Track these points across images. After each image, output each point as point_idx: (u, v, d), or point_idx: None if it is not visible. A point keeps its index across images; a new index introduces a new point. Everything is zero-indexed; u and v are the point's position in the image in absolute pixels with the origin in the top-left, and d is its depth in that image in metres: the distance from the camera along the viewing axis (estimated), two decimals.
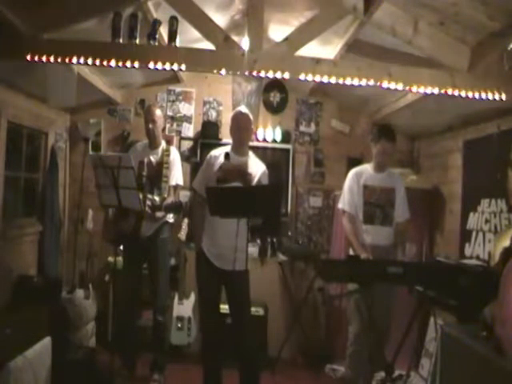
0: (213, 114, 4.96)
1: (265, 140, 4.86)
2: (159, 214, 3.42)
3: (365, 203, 3.43)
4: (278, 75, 2.89)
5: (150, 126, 3.56)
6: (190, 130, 4.95)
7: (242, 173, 2.97)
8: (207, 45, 3.01)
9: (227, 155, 2.97)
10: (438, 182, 4.34)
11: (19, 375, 2.67)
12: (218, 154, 3.13)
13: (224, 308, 3.21)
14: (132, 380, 3.56)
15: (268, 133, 4.87)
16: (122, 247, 3.74)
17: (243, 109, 3.19)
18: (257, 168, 3.09)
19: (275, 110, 4.99)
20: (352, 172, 3.56)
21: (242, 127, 3.06)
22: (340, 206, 3.55)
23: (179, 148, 4.82)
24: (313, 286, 4.24)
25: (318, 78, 2.90)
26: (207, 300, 3.11)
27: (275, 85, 4.91)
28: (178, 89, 4.93)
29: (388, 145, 3.40)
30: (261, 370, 3.19)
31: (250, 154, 3.17)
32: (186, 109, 4.95)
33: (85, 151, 4.61)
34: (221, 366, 3.13)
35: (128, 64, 2.78)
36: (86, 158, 4.32)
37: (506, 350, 1.90)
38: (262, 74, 2.91)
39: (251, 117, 3.13)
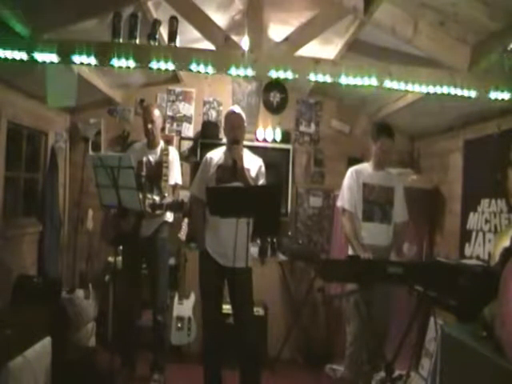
0: (213, 114, 4.96)
1: (265, 140, 4.85)
2: (159, 211, 3.42)
3: (364, 201, 3.43)
4: (278, 75, 2.89)
5: (149, 126, 3.56)
6: (190, 130, 4.95)
7: (240, 171, 3.00)
8: (207, 45, 3.01)
9: (234, 162, 2.99)
10: (438, 182, 4.33)
11: (19, 375, 2.67)
12: (214, 155, 3.19)
13: (225, 308, 3.26)
14: (132, 380, 3.56)
15: (268, 133, 4.86)
16: (121, 247, 3.74)
17: (236, 108, 3.26)
18: (253, 163, 3.15)
19: (275, 110, 4.99)
20: (351, 170, 3.55)
21: (235, 126, 3.12)
22: (339, 203, 3.54)
23: (179, 148, 4.82)
24: (313, 286, 4.23)
25: (317, 78, 2.89)
26: (210, 299, 3.13)
27: (275, 85, 4.91)
28: (178, 89, 4.93)
29: (388, 142, 3.41)
30: (261, 369, 3.19)
31: (245, 150, 3.22)
32: (185, 109, 4.95)
33: (85, 151, 4.61)
34: (221, 366, 3.14)
35: (128, 64, 2.78)
36: (86, 158, 4.34)
37: (506, 350, 1.90)
38: (262, 74, 2.91)
39: (243, 115, 3.19)
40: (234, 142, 3.07)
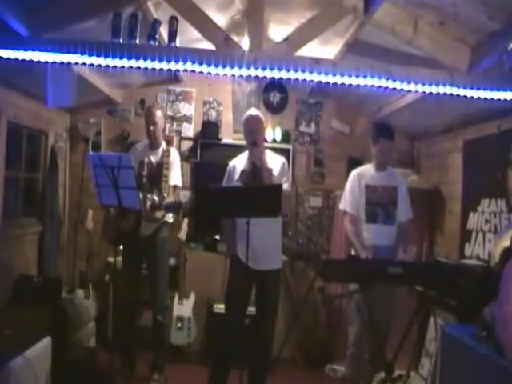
0: (213, 114, 4.96)
1: (265, 140, 4.84)
2: (159, 214, 3.43)
3: (367, 203, 3.42)
4: (278, 75, 2.89)
5: (151, 127, 3.57)
6: (190, 130, 4.95)
7: (259, 172, 3.00)
8: (207, 45, 3.01)
9: (254, 164, 3.00)
10: (438, 182, 4.33)
11: (19, 375, 2.66)
12: (237, 162, 3.19)
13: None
14: (132, 380, 3.56)
15: (268, 133, 4.85)
16: (121, 247, 3.75)
17: (253, 111, 3.24)
18: (276, 162, 3.15)
19: (275, 110, 4.99)
20: (353, 173, 3.55)
21: (253, 129, 3.12)
22: (341, 206, 3.54)
23: (179, 148, 4.82)
24: (313, 286, 4.23)
25: (318, 78, 2.89)
26: (235, 303, 3.12)
27: (275, 85, 4.91)
28: (178, 89, 4.94)
29: (387, 144, 3.40)
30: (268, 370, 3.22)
31: (267, 151, 3.22)
32: (186, 109, 4.95)
33: (85, 151, 4.61)
34: (230, 366, 3.13)
35: (128, 64, 2.78)
36: (86, 158, 4.33)
37: (506, 350, 1.90)
38: (262, 74, 2.91)
39: (261, 117, 3.19)
40: (253, 145, 3.07)
